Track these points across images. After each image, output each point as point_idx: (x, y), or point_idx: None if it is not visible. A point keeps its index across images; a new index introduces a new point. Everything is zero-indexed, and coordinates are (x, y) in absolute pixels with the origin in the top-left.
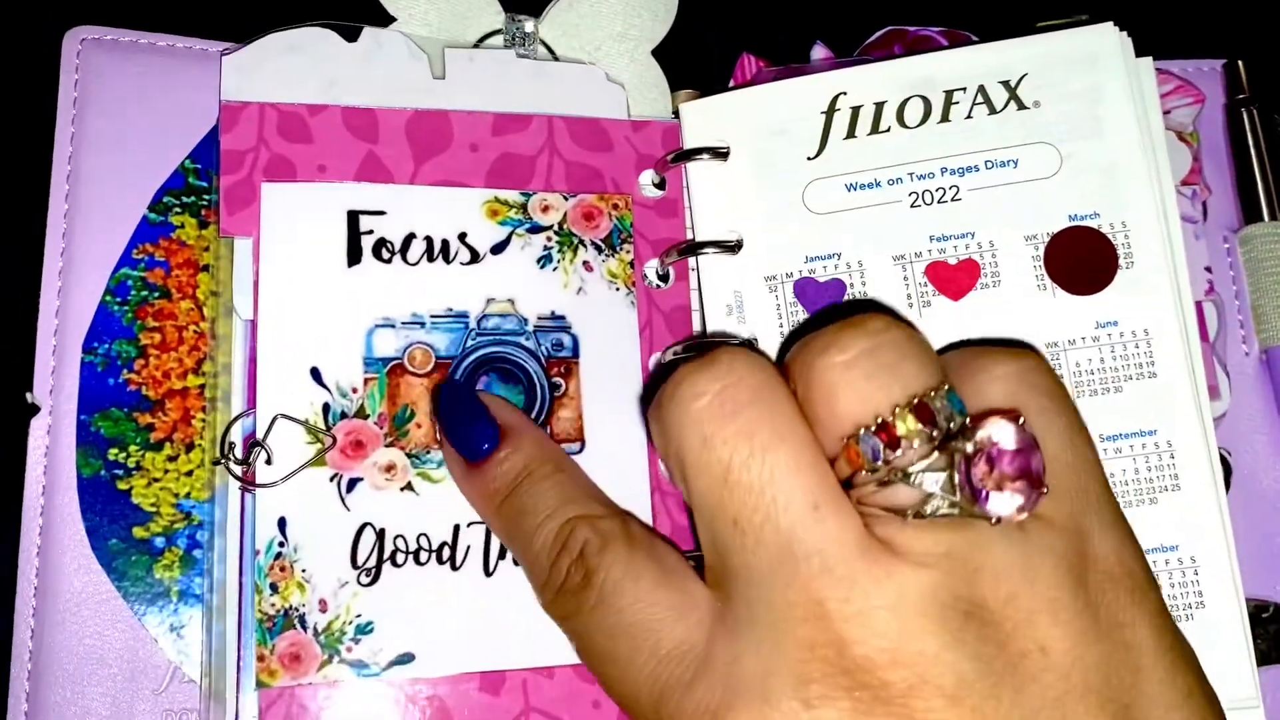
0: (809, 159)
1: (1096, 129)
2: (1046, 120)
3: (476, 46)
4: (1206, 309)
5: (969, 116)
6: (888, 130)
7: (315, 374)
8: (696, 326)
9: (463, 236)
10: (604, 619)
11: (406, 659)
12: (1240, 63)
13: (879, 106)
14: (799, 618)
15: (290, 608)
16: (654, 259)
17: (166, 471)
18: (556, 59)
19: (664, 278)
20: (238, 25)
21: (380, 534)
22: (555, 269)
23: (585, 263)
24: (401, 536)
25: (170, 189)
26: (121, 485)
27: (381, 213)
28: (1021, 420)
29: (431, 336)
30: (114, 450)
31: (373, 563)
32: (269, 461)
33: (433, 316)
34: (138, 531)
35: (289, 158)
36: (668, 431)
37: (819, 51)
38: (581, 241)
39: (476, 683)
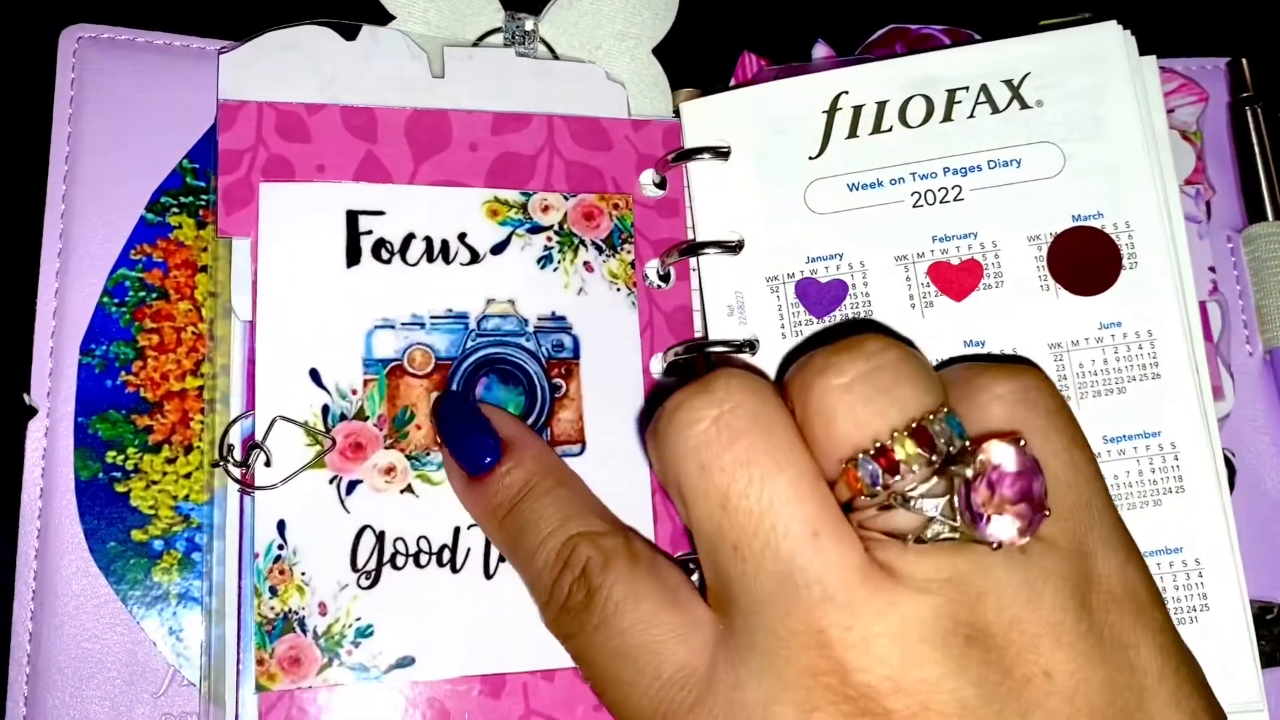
0: (811, 158)
1: (1099, 128)
2: (1049, 119)
3: (476, 45)
4: (1210, 309)
5: (971, 116)
6: (890, 130)
7: (314, 375)
8: (698, 327)
9: (462, 237)
10: (606, 640)
11: (407, 662)
12: (1244, 61)
13: (881, 106)
14: (801, 645)
15: (290, 611)
16: (655, 259)
17: (165, 474)
18: (556, 58)
19: (665, 278)
20: (235, 24)
21: (380, 536)
22: (555, 269)
23: (586, 263)
24: (401, 539)
25: (168, 189)
26: (120, 488)
27: (381, 213)
28: (1022, 442)
29: (431, 337)
30: (112, 453)
31: (372, 565)
32: (268, 464)
33: (432, 317)
34: (136, 534)
35: (287, 157)
36: (665, 457)
37: (820, 50)
38: (582, 241)
39: (477, 686)
